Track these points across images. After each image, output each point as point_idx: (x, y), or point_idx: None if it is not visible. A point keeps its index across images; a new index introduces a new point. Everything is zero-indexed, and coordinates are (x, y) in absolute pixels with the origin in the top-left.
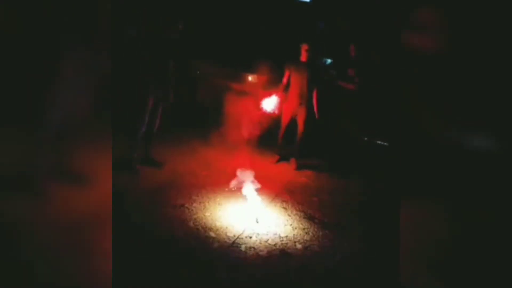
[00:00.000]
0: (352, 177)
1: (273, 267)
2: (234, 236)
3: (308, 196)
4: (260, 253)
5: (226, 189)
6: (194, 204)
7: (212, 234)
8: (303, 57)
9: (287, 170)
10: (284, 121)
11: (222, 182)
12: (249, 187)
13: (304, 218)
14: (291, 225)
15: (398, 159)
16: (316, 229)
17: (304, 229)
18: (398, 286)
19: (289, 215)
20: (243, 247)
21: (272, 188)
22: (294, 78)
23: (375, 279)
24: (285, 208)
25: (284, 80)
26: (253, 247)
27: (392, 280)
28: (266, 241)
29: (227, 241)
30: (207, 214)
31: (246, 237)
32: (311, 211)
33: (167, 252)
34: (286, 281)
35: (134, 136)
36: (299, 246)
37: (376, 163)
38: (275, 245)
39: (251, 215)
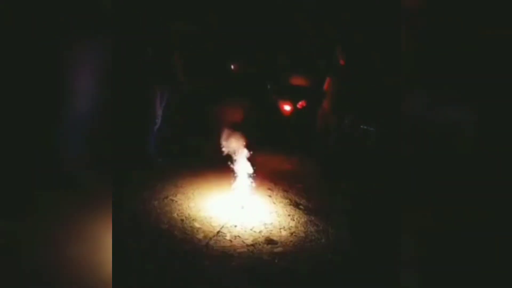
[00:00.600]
0: (337, 164)
1: (258, 254)
2: (219, 225)
3: (293, 183)
4: (245, 241)
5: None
6: (178, 195)
7: (196, 224)
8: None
9: (271, 158)
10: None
11: (209, 171)
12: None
13: (289, 205)
14: (276, 212)
15: (385, 145)
16: (301, 215)
17: (289, 215)
18: (382, 271)
19: (274, 203)
20: (228, 236)
21: (257, 176)
22: (333, 83)
23: (360, 264)
24: (270, 196)
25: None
26: (238, 236)
27: (376, 265)
28: (251, 229)
29: (212, 230)
30: (192, 204)
31: (231, 226)
32: (296, 197)
33: (152, 245)
34: (272, 267)
35: (147, 132)
36: (284, 232)
37: (362, 150)
38: (260, 232)
39: (236, 203)
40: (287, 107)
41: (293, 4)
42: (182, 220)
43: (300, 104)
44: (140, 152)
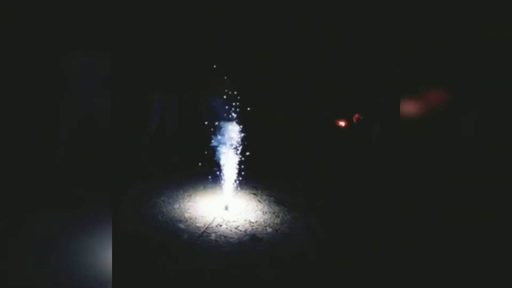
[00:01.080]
0: (323, 160)
1: (244, 252)
2: (204, 225)
3: (278, 181)
4: (231, 240)
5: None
6: (162, 198)
7: (181, 226)
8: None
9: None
10: None
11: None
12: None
13: (274, 202)
14: (261, 210)
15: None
16: (286, 212)
17: (274, 213)
18: (368, 267)
19: (259, 201)
20: (213, 236)
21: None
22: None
23: (348, 259)
24: (255, 194)
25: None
26: (224, 235)
27: (364, 261)
28: (236, 228)
29: (197, 231)
30: (176, 206)
31: (216, 225)
32: (281, 195)
33: (136, 249)
34: (258, 265)
35: (142, 140)
36: (269, 230)
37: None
38: (245, 231)
39: (220, 203)
40: (342, 123)
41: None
42: (166, 222)
43: (355, 118)
44: (134, 159)
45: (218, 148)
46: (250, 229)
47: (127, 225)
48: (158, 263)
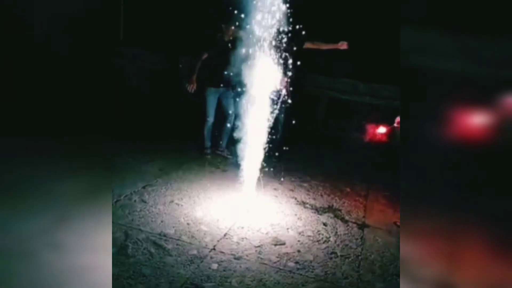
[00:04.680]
0: (341, 161)
1: (266, 255)
2: (226, 227)
3: (298, 182)
4: (253, 242)
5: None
6: (184, 199)
7: (203, 227)
8: None
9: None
10: None
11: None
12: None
13: (295, 204)
14: (282, 212)
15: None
16: (308, 214)
17: (295, 215)
18: (393, 271)
19: (280, 203)
20: (235, 238)
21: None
22: None
23: (372, 263)
24: (276, 196)
25: None
26: (246, 237)
27: (390, 265)
28: (258, 230)
29: (219, 233)
30: (198, 208)
31: (238, 228)
32: (302, 196)
33: (159, 250)
34: (281, 268)
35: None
36: (291, 232)
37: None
38: (267, 233)
39: (242, 205)
40: (382, 129)
41: None
42: (188, 224)
43: (397, 121)
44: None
45: None
46: (272, 231)
47: (146, 224)
48: (177, 266)
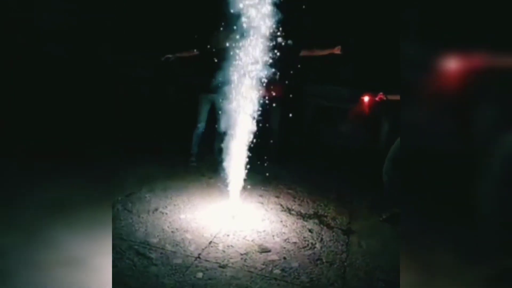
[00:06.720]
0: (326, 168)
1: (252, 263)
2: (211, 235)
3: (284, 189)
4: (239, 250)
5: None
6: (169, 207)
7: (188, 236)
8: None
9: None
10: None
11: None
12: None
13: (281, 211)
14: (268, 219)
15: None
16: (293, 221)
17: (281, 221)
18: (378, 273)
19: (265, 210)
20: (220, 246)
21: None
22: None
23: (357, 268)
24: (261, 203)
25: None
26: (231, 245)
27: (377, 272)
28: (243, 238)
29: (204, 241)
30: (182, 216)
31: (223, 235)
32: (287, 203)
33: (142, 260)
34: (267, 276)
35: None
36: (277, 239)
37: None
38: (252, 240)
39: (227, 213)
40: (366, 98)
41: None
42: (173, 232)
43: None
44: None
45: None
46: (257, 239)
47: (129, 233)
48: (163, 275)
